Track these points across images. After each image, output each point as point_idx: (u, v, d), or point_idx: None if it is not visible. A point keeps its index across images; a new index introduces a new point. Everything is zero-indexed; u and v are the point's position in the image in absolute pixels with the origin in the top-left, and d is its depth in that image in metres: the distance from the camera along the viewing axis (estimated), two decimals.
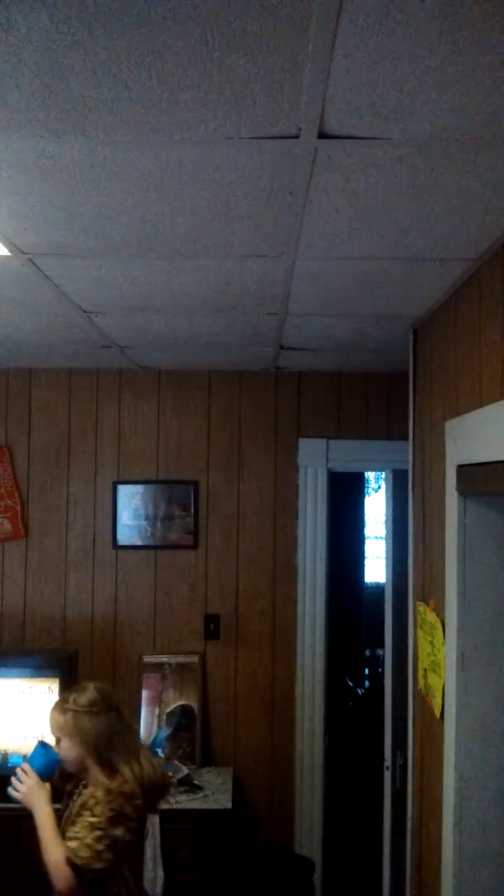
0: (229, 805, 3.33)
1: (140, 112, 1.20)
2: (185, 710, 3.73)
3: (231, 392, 3.88)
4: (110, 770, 2.31)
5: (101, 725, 2.34)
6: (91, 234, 1.79)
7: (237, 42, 1.02)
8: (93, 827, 2.22)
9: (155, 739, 3.57)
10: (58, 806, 2.40)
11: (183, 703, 3.74)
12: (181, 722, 3.72)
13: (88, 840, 2.21)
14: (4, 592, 3.84)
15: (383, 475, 3.82)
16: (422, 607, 2.58)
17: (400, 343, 2.94)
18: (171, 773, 2.45)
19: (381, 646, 3.89)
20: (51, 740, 2.44)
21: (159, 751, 3.48)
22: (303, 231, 1.75)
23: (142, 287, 2.26)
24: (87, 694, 2.37)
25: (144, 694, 3.76)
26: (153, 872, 3.20)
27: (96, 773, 2.33)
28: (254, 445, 3.87)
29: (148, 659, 3.80)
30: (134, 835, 2.29)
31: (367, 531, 6.95)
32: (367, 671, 6.27)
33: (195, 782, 3.46)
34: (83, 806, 2.29)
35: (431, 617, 2.41)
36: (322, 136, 1.28)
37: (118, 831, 2.23)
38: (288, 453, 3.87)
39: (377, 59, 1.06)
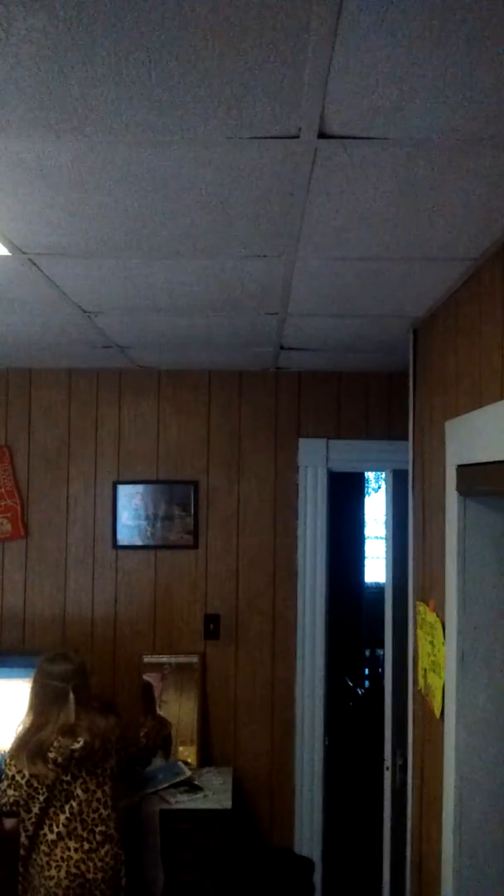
0: (229, 805, 3.33)
1: (140, 112, 1.20)
2: None
3: (231, 392, 3.88)
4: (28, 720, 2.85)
5: (37, 687, 2.88)
6: (91, 234, 1.79)
7: (237, 42, 1.02)
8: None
9: None
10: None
11: None
12: None
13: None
14: (4, 592, 3.84)
15: (383, 475, 3.82)
16: (422, 607, 2.58)
17: (400, 343, 2.94)
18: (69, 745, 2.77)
19: (381, 646, 3.89)
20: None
21: None
22: (303, 231, 1.75)
23: (142, 287, 2.26)
24: (47, 664, 2.90)
25: None
26: (152, 872, 3.21)
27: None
28: (254, 445, 3.87)
29: (148, 659, 3.80)
30: (22, 778, 2.74)
31: (367, 531, 6.95)
32: (367, 671, 6.27)
33: (195, 782, 3.46)
34: None
35: (431, 617, 2.41)
36: (322, 136, 1.28)
37: (10, 770, 2.75)
38: (288, 453, 3.87)
39: (377, 59, 1.06)
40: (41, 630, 3.82)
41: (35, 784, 2.73)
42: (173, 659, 3.80)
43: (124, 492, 3.85)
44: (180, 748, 3.72)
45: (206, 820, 3.29)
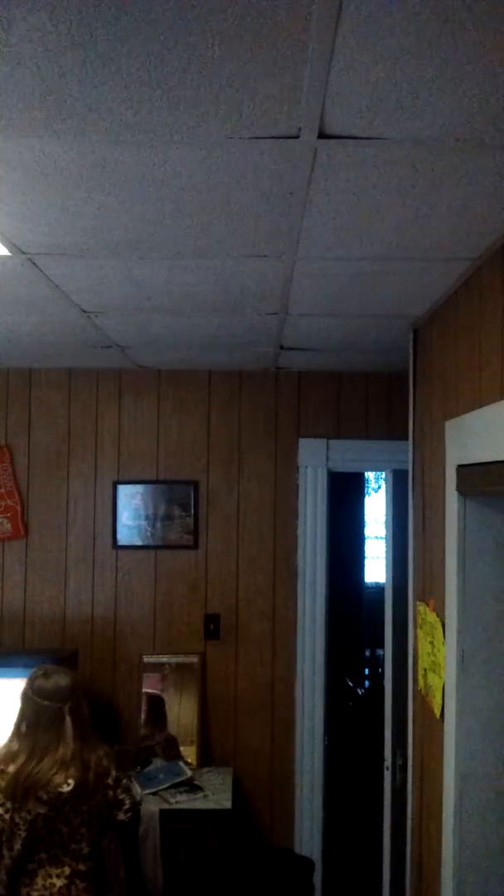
0: (229, 805, 3.33)
1: (140, 112, 1.20)
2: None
3: (231, 392, 3.88)
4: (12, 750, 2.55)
5: (28, 707, 2.58)
6: (91, 234, 1.79)
7: (237, 42, 1.02)
8: None
9: None
10: None
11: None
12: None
13: None
14: (4, 592, 3.84)
15: (383, 475, 3.82)
16: (422, 607, 2.58)
17: (400, 343, 2.95)
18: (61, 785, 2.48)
19: (381, 646, 3.89)
20: None
21: None
22: (303, 231, 1.75)
23: (142, 287, 2.26)
24: (42, 681, 2.60)
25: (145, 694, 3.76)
26: (152, 872, 3.21)
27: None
28: (254, 445, 3.87)
29: (148, 659, 3.80)
30: (6, 812, 2.48)
31: (367, 531, 6.95)
32: (367, 671, 6.27)
33: (195, 782, 3.46)
34: None
35: (431, 617, 2.41)
36: (322, 136, 1.28)
37: None
38: (288, 453, 3.87)
39: (377, 58, 1.06)
40: (41, 630, 3.82)
41: (17, 820, 2.47)
42: (173, 659, 3.80)
43: (124, 492, 3.85)
44: (180, 748, 3.71)
45: (206, 820, 3.29)
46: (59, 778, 2.49)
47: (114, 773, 2.65)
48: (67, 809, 2.53)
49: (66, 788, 2.49)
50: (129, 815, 2.69)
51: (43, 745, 2.52)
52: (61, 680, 2.61)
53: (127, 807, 2.67)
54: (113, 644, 3.83)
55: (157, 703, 3.74)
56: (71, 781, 2.49)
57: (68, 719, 2.54)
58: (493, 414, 1.81)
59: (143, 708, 3.74)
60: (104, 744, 2.73)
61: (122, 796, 2.65)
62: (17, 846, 2.49)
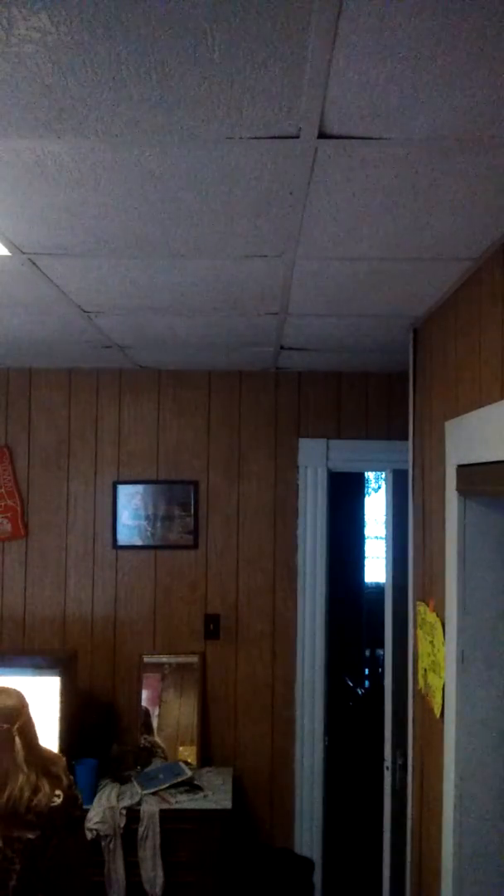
0: (229, 805, 3.33)
1: (140, 112, 1.20)
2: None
3: (231, 392, 3.88)
4: None
5: None
6: (91, 234, 1.79)
7: (237, 42, 1.02)
8: None
9: None
10: None
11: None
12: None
13: None
14: (4, 592, 3.84)
15: (383, 475, 3.82)
16: (422, 607, 2.58)
17: (400, 343, 2.94)
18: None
19: (381, 646, 3.89)
20: None
21: None
22: (303, 231, 1.75)
23: (142, 287, 2.26)
24: None
25: (144, 694, 3.76)
26: (152, 872, 3.21)
27: None
28: (254, 445, 3.87)
29: (148, 659, 3.80)
30: None
31: (367, 531, 6.95)
32: (367, 671, 6.27)
33: (195, 782, 3.46)
34: None
35: (431, 617, 2.41)
36: (322, 136, 1.28)
37: None
38: (288, 453, 3.87)
39: (377, 59, 1.06)
40: (41, 630, 3.82)
41: (9, 854, 2.15)
42: (173, 659, 3.80)
43: (124, 492, 3.85)
44: (180, 748, 3.72)
45: (206, 820, 3.29)
46: (42, 795, 2.24)
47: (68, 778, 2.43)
48: (54, 825, 2.26)
49: (56, 801, 2.26)
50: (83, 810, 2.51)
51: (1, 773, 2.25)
52: (7, 699, 2.35)
53: (80, 801, 2.45)
54: (113, 644, 3.83)
55: (143, 714, 3.78)
56: (59, 793, 2.27)
57: (18, 741, 2.29)
58: (493, 414, 1.81)
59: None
60: (56, 754, 2.51)
61: (77, 793, 2.45)
62: (13, 881, 2.18)
